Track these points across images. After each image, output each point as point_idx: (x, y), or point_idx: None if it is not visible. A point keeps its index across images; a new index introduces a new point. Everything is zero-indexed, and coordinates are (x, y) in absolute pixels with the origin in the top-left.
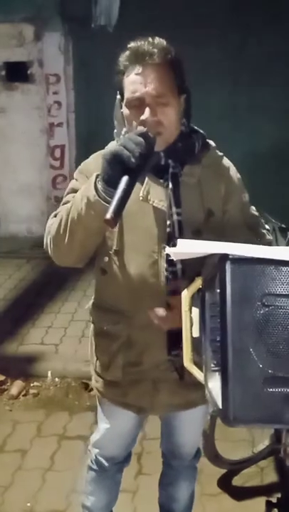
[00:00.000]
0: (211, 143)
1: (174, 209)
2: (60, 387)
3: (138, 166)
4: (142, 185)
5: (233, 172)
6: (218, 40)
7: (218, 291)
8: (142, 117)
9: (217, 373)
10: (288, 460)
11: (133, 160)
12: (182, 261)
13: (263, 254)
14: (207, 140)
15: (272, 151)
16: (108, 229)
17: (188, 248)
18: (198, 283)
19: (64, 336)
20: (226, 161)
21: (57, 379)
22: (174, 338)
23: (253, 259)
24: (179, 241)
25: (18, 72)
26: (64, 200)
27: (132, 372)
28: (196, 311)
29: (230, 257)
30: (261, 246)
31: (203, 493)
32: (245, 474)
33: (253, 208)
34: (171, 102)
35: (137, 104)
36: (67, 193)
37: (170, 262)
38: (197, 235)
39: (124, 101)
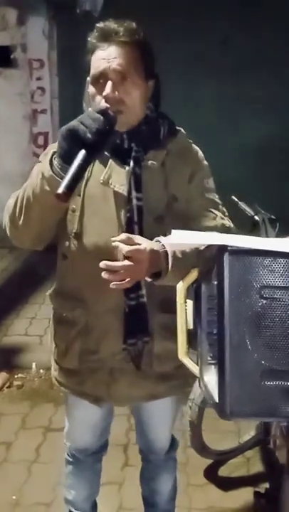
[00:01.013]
0: (181, 130)
1: (134, 193)
2: (45, 378)
3: (95, 142)
4: (105, 168)
5: (200, 157)
6: (204, 32)
7: (216, 283)
8: (104, 93)
9: (213, 366)
10: (278, 452)
11: (89, 135)
12: None
13: (263, 246)
14: (176, 126)
15: (259, 143)
16: (63, 206)
17: (184, 239)
18: (193, 275)
19: (48, 327)
20: (194, 148)
21: (41, 370)
22: (131, 327)
23: (252, 250)
24: (174, 232)
25: (0, 57)
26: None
27: (88, 360)
28: (189, 303)
29: (228, 248)
30: (261, 238)
31: (190, 484)
32: (232, 464)
33: (216, 196)
34: (135, 81)
35: (101, 81)
36: (31, 176)
37: None
38: (159, 221)
39: (89, 78)
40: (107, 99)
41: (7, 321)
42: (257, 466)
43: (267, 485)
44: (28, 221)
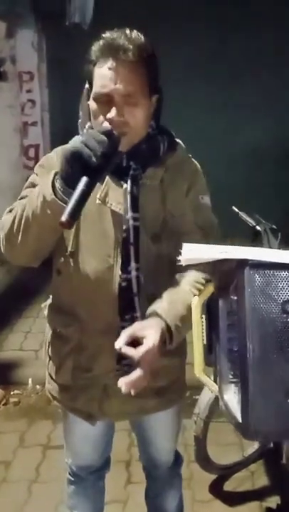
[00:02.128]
0: (180, 143)
1: (130, 214)
2: (42, 394)
3: (99, 165)
4: (102, 186)
5: (198, 173)
6: (196, 38)
7: (236, 298)
8: (108, 115)
9: (234, 385)
10: None
11: (94, 159)
12: (138, 269)
13: (285, 259)
14: (175, 139)
15: (253, 150)
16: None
17: (200, 254)
18: (209, 289)
19: (44, 341)
20: (192, 163)
21: (38, 386)
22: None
23: (273, 264)
24: (184, 245)
25: None
26: (22, 194)
27: (81, 377)
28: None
29: (249, 262)
30: (282, 251)
31: (195, 500)
32: (237, 479)
33: (213, 215)
34: (140, 102)
35: (105, 100)
36: (26, 187)
37: (125, 269)
38: (155, 239)
39: (92, 94)
40: (111, 122)
41: (1, 335)
42: (262, 480)
43: (275, 499)
44: (25, 240)
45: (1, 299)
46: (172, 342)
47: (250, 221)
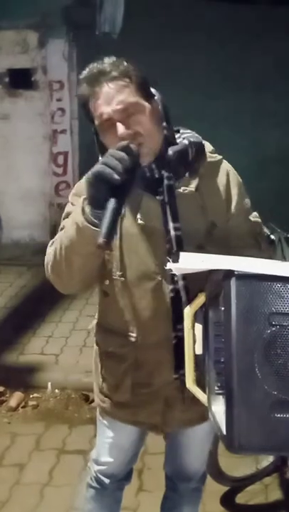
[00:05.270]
0: (207, 145)
1: (170, 224)
2: (60, 398)
3: (124, 181)
4: (139, 205)
5: (234, 176)
6: (221, 46)
7: (223, 309)
8: (118, 134)
9: (221, 396)
10: None
11: (116, 176)
12: (185, 277)
13: (270, 271)
14: (202, 141)
15: (277, 158)
16: (105, 252)
17: (190, 264)
18: (201, 299)
19: (65, 346)
20: (226, 165)
21: (57, 390)
22: (182, 357)
23: (260, 275)
24: (182, 255)
25: (21, 79)
26: (61, 225)
27: (142, 394)
28: (199, 327)
29: (235, 273)
30: (268, 261)
31: None
32: (249, 491)
33: (256, 214)
34: (139, 109)
35: (109, 125)
36: (64, 218)
37: (173, 280)
38: (200, 249)
39: (98, 127)
40: (123, 138)
41: (23, 339)
42: (275, 494)
43: None
44: (70, 271)
45: (26, 303)
46: None
47: (265, 230)
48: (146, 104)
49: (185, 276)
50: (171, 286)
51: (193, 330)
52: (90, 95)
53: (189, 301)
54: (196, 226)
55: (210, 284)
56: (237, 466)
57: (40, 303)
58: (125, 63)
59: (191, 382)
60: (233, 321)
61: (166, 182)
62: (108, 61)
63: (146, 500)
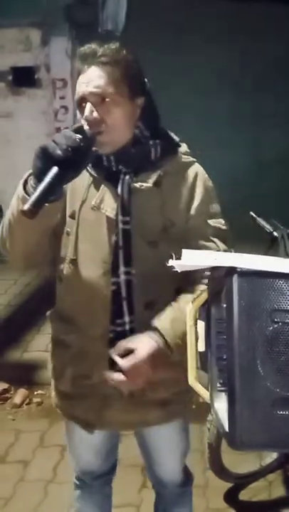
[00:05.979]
0: (183, 147)
1: (120, 217)
2: None
3: (67, 159)
4: (97, 192)
5: (203, 179)
6: (222, 47)
7: (225, 306)
8: (84, 114)
9: (223, 393)
10: None
11: (58, 152)
12: (129, 273)
13: (273, 268)
14: (177, 143)
15: (278, 158)
16: (45, 225)
17: (192, 260)
18: (203, 296)
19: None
20: (197, 168)
21: None
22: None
23: (262, 272)
24: (184, 251)
25: (24, 77)
26: None
27: (81, 385)
28: (201, 324)
29: (237, 270)
30: (271, 258)
31: (209, 508)
32: (253, 488)
33: (222, 221)
34: (116, 100)
35: (83, 104)
36: None
37: (115, 273)
38: (153, 245)
39: (75, 103)
40: (87, 121)
41: (28, 336)
42: (279, 490)
43: None
44: (13, 242)
45: (30, 301)
46: (173, 353)
47: (268, 227)
48: (125, 99)
49: (128, 271)
50: (113, 279)
51: (196, 327)
52: (79, 70)
53: (129, 297)
54: (150, 222)
55: (212, 280)
56: (240, 462)
57: (45, 300)
58: (123, 53)
59: (193, 379)
60: (235, 318)
61: (122, 176)
62: (108, 45)
63: (149, 496)
